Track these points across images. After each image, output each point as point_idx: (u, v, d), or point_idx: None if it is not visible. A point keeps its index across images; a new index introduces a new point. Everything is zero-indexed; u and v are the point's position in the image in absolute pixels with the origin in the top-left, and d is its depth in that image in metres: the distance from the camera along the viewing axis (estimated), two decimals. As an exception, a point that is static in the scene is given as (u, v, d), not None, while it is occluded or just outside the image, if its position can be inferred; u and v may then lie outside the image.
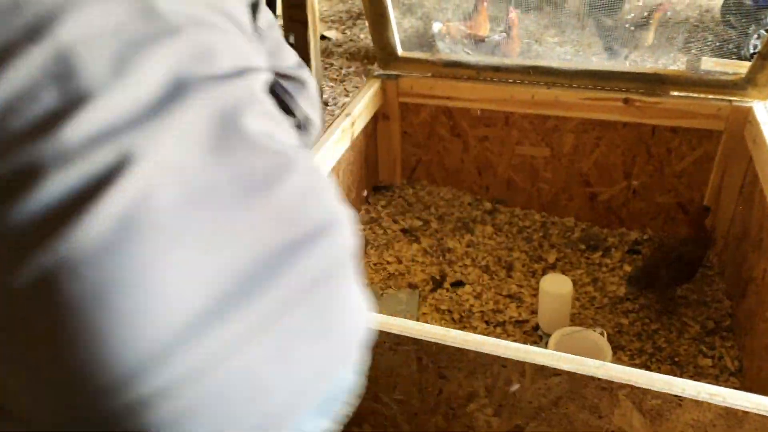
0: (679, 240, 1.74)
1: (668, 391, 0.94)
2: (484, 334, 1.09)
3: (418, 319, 1.71)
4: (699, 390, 0.94)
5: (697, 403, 0.93)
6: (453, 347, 1.04)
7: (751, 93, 1.73)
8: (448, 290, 1.81)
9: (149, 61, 0.61)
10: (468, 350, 1.03)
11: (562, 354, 1.01)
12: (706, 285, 1.78)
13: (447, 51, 2.14)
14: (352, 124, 1.87)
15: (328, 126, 1.78)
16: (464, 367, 1.05)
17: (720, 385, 0.96)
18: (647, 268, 1.73)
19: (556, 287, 1.61)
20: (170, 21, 0.65)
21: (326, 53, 4.03)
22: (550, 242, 1.98)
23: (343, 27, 4.48)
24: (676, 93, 1.81)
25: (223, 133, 0.63)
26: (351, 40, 4.26)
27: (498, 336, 1.64)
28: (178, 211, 0.57)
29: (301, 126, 0.93)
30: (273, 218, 0.64)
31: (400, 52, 2.03)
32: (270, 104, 0.74)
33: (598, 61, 2.82)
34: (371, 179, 2.21)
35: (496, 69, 1.97)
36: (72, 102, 0.56)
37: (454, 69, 2.02)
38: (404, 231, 2.05)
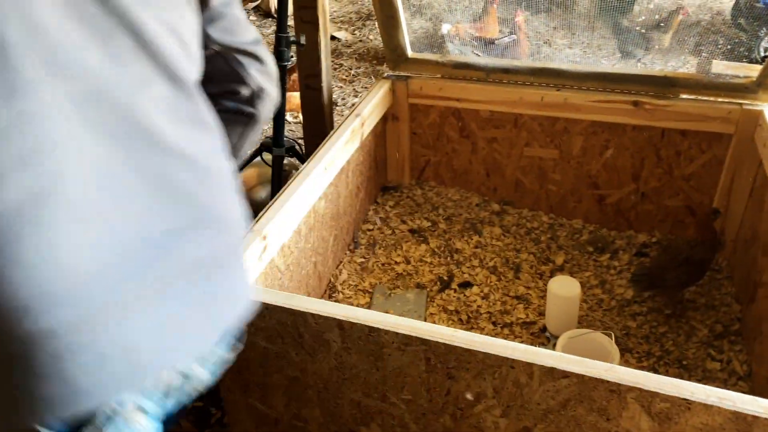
0: (687, 242, 1.73)
1: (677, 395, 0.94)
2: (491, 336, 1.09)
3: (425, 320, 1.72)
4: (708, 394, 0.94)
5: (707, 407, 0.93)
6: (461, 348, 1.04)
7: (762, 96, 1.72)
8: (455, 291, 1.81)
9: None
10: (476, 351, 1.03)
11: (571, 356, 1.01)
12: (715, 288, 1.77)
13: (456, 53, 2.14)
14: (362, 124, 1.87)
15: (338, 126, 1.78)
16: (472, 368, 1.05)
17: (728, 390, 0.96)
18: (652, 269, 1.73)
19: (565, 289, 1.61)
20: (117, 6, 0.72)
21: (336, 54, 4.04)
22: (558, 244, 1.98)
23: (353, 28, 4.49)
24: (686, 96, 1.81)
25: (131, 130, 0.73)
26: (360, 40, 4.27)
27: (505, 337, 1.64)
28: (87, 190, 0.69)
29: (255, 96, 1.01)
30: (169, 206, 0.76)
31: (410, 53, 2.03)
32: (196, 108, 0.82)
33: (607, 63, 2.81)
34: (380, 179, 2.21)
35: (506, 71, 1.97)
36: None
37: (463, 70, 2.02)
38: (412, 231, 2.06)
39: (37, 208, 0.66)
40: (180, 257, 0.77)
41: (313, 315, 1.11)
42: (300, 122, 3.18)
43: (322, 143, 1.70)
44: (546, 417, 1.06)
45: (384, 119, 2.09)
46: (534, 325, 1.69)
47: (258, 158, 2.27)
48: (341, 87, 3.65)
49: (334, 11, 4.74)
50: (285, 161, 2.09)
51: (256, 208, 2.32)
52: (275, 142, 2.02)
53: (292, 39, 1.87)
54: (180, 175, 0.77)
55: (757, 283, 1.56)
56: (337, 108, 3.39)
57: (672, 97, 1.81)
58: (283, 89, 1.94)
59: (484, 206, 2.15)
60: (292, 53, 1.92)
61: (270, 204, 1.44)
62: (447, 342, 1.04)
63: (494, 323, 1.70)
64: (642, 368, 1.50)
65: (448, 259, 1.94)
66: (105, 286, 0.70)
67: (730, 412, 0.92)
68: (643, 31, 2.77)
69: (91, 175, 0.70)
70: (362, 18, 4.64)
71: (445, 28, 2.79)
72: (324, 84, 2.04)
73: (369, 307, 1.76)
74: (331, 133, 1.75)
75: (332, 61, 3.81)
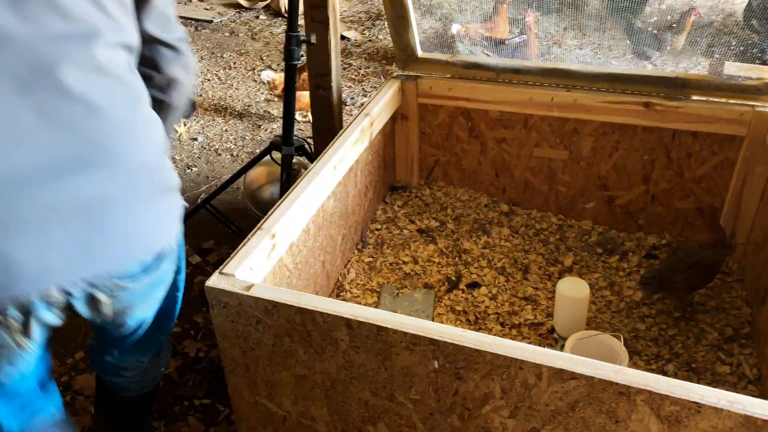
0: (697, 244, 1.72)
1: (687, 398, 0.93)
2: (499, 336, 1.09)
3: (433, 320, 1.71)
4: (719, 397, 0.93)
5: (717, 411, 0.92)
6: (470, 348, 1.04)
7: (775, 98, 1.71)
8: (463, 291, 1.81)
9: None
10: (485, 351, 1.03)
11: (580, 358, 1.01)
12: (725, 291, 1.76)
13: (466, 53, 2.14)
14: (371, 124, 1.87)
15: (347, 126, 1.79)
16: (481, 368, 1.05)
17: (738, 393, 0.95)
18: (661, 271, 1.72)
19: (573, 291, 1.60)
20: None
21: (345, 53, 4.04)
22: (567, 245, 1.97)
23: (362, 27, 4.49)
24: (697, 97, 1.79)
25: (33, 72, 0.86)
26: (370, 40, 4.28)
27: (513, 338, 1.63)
28: None
29: (169, 84, 1.16)
30: (61, 141, 0.88)
31: (419, 53, 2.03)
32: (108, 60, 0.95)
33: (618, 64, 2.79)
34: (388, 179, 2.21)
35: (516, 71, 1.96)
36: None
37: (473, 71, 2.02)
38: (421, 231, 2.06)
39: None
40: (74, 193, 0.89)
41: (321, 313, 1.11)
42: (309, 121, 3.18)
43: (332, 142, 1.70)
44: (554, 418, 1.05)
45: (393, 119, 2.09)
46: (542, 327, 1.68)
47: (267, 157, 2.28)
48: (350, 86, 3.65)
49: (344, 11, 4.74)
50: (294, 160, 2.10)
51: (265, 206, 2.33)
52: (284, 141, 2.03)
53: (302, 38, 1.87)
54: (75, 116, 0.90)
55: (768, 287, 1.55)
56: (346, 107, 3.39)
57: (683, 98, 1.80)
58: (293, 88, 1.94)
59: (493, 207, 2.15)
60: (302, 52, 1.93)
61: (279, 203, 1.44)
62: (456, 342, 1.04)
63: (502, 324, 1.69)
64: (651, 371, 1.49)
65: (456, 259, 1.94)
66: None
67: (741, 415, 0.91)
68: (656, 32, 2.75)
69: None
70: (372, 18, 4.64)
71: (455, 28, 2.78)
72: (333, 83, 2.04)
73: (377, 307, 1.76)
74: (340, 132, 1.75)
75: (342, 61, 3.82)
